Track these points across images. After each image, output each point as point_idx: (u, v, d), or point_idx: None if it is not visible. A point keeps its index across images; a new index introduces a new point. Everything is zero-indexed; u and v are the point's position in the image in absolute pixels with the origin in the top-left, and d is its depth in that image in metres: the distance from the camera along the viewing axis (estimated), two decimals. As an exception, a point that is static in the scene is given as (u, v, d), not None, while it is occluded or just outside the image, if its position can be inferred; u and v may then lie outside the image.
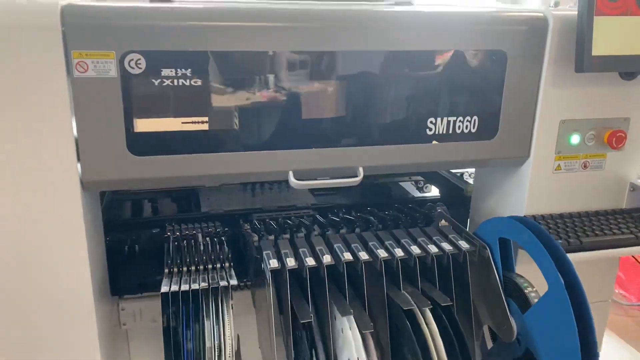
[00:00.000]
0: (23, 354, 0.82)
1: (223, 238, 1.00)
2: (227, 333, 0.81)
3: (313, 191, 1.29)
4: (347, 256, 0.85)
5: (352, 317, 0.78)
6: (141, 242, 1.07)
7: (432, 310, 0.82)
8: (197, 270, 0.90)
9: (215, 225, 1.06)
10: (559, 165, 1.00)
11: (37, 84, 0.73)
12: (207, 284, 0.85)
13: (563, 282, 0.77)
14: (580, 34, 0.87)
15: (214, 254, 0.94)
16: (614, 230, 0.96)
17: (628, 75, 0.97)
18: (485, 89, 0.92)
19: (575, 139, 0.99)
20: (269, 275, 0.82)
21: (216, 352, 0.80)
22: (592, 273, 1.06)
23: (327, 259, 0.84)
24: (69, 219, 0.78)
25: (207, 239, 1.00)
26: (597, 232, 0.95)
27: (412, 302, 0.81)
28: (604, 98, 0.98)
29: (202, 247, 0.96)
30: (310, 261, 0.83)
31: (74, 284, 0.81)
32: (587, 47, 0.86)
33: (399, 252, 0.87)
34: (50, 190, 0.77)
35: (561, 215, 1.00)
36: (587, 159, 1.01)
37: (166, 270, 0.89)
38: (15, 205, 0.76)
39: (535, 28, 0.91)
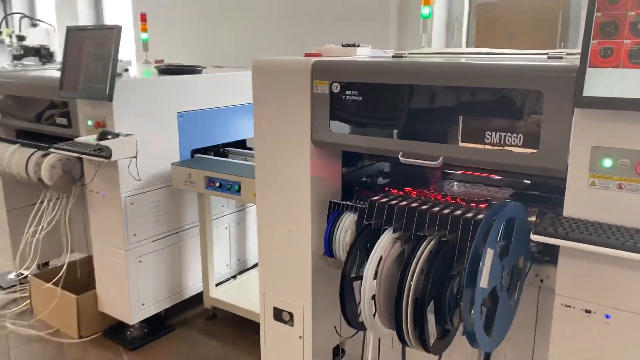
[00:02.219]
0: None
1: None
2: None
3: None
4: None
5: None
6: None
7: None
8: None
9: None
10: (593, 182, 1.27)
11: (300, 94, 1.70)
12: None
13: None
14: (576, 80, 1.20)
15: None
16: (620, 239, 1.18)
17: (660, 116, 1.16)
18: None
19: (607, 162, 1.24)
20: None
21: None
22: None
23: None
24: (304, 167, 1.72)
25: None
26: (604, 235, 1.20)
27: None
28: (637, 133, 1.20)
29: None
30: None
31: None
32: (579, 90, 1.19)
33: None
34: (297, 147, 1.73)
35: (592, 222, 1.26)
36: (622, 181, 1.24)
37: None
38: (282, 161, 1.76)
39: (563, 77, 1.26)
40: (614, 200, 1.25)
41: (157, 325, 2.63)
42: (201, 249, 2.61)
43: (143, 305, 2.50)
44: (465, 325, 1.22)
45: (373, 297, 1.38)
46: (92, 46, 2.18)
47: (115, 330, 2.60)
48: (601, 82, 1.16)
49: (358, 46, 1.90)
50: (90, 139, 2.18)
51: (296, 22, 3.61)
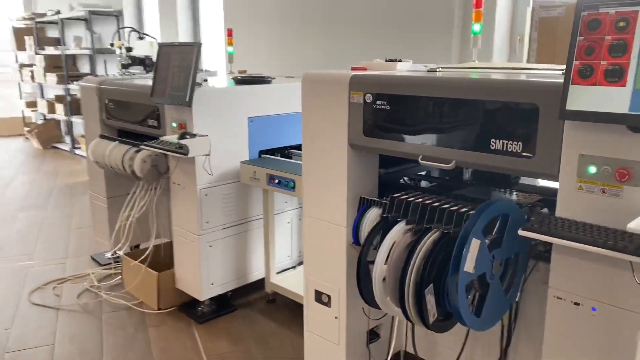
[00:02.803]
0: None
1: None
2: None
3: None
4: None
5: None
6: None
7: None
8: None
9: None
10: (580, 186, 1.42)
11: (339, 103, 1.96)
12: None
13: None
14: (561, 96, 1.36)
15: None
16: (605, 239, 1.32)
17: (635, 130, 1.30)
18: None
19: (592, 169, 1.39)
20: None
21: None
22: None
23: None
24: (342, 166, 1.98)
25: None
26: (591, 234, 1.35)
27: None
28: (621, 145, 1.34)
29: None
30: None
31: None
32: (562, 104, 1.35)
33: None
34: (336, 149, 1.99)
35: (577, 222, 1.41)
36: (604, 186, 1.38)
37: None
38: (324, 161, 2.03)
39: (554, 92, 1.42)
40: (598, 203, 1.40)
41: (223, 304, 2.99)
42: (264, 238, 2.93)
43: (212, 284, 2.86)
44: (451, 303, 1.42)
45: (384, 279, 1.60)
46: (177, 60, 2.58)
47: (188, 306, 2.98)
48: (582, 98, 1.32)
49: (400, 61, 2.13)
50: (173, 138, 2.57)
51: (368, 34, 3.88)
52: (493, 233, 1.48)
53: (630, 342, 1.39)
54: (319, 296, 2.18)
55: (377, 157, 2.07)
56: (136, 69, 4.15)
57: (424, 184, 2.27)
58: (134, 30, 4.49)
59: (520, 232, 1.39)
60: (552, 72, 1.75)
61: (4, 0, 9.31)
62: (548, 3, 3.16)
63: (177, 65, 2.58)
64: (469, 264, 1.39)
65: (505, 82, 1.59)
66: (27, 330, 2.79)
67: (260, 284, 3.05)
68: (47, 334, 2.75)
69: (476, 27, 2.58)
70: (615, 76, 1.28)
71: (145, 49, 5.07)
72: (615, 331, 1.42)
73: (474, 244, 1.39)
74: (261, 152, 2.92)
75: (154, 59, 4.60)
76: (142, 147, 2.74)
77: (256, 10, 4.86)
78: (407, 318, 1.56)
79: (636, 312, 1.37)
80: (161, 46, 2.74)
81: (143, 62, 4.39)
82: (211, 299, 2.93)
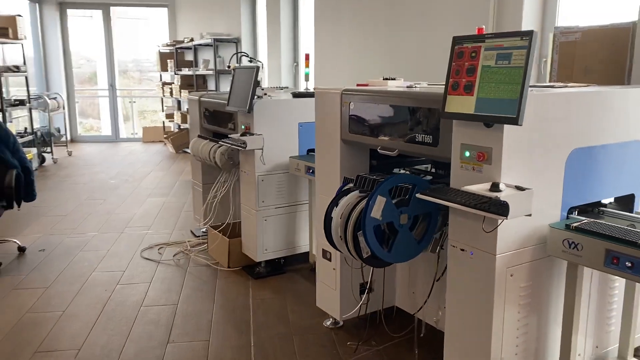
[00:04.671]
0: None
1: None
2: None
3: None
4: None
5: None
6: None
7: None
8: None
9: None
10: (462, 165, 2.04)
11: (335, 109, 2.71)
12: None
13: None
14: (442, 103, 2.02)
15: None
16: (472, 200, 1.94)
17: (487, 126, 1.92)
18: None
19: (467, 153, 2.01)
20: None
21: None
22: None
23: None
24: (336, 156, 2.73)
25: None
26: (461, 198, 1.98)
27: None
28: (481, 135, 1.95)
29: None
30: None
31: (338, 169, 2.77)
32: (442, 107, 2.01)
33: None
34: (334, 143, 2.74)
35: (458, 190, 2.03)
36: (473, 165, 1.99)
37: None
38: (328, 152, 2.79)
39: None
40: (471, 176, 2.01)
41: (276, 268, 3.83)
42: (309, 218, 3.74)
43: (266, 250, 3.72)
44: (365, 237, 2.11)
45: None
46: (244, 78, 3.50)
47: (250, 267, 3.87)
48: (453, 103, 1.97)
49: (393, 79, 2.83)
50: (238, 136, 3.49)
51: (424, 50, 4.55)
52: (404, 196, 2.16)
53: (492, 276, 1.98)
54: (325, 254, 2.93)
55: (368, 150, 2.79)
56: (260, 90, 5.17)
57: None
58: (244, 54, 5.55)
59: (417, 195, 2.06)
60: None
61: (155, 30, 11.21)
62: (567, 29, 3.66)
63: (244, 82, 3.51)
64: (375, 212, 2.07)
65: (422, 94, 2.25)
66: (135, 272, 3.86)
67: (305, 255, 3.85)
68: (148, 276, 3.79)
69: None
70: (469, 89, 1.91)
71: (252, 70, 6.08)
72: (484, 269, 2.01)
73: (379, 199, 2.08)
74: (309, 150, 3.74)
75: (259, 78, 5.66)
76: (220, 143, 3.70)
77: (339, 39, 5.74)
78: (350, 254, 2.27)
79: (491, 253, 1.96)
80: (235, 69, 3.70)
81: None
82: (266, 262, 3.79)
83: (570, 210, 2.14)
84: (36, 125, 8.42)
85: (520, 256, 2.01)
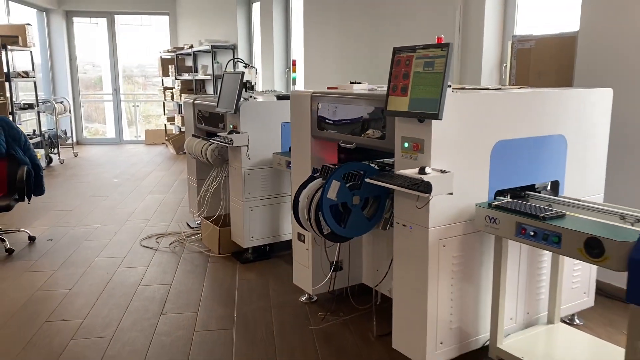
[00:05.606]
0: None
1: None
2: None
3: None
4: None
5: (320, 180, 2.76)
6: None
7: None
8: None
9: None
10: (403, 155, 2.44)
11: (307, 110, 3.12)
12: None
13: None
14: (385, 102, 2.41)
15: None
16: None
17: (420, 121, 2.32)
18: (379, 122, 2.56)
19: (406, 144, 2.40)
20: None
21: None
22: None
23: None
24: (307, 150, 3.13)
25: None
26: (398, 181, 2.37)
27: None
28: (414, 128, 2.35)
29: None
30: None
31: (309, 161, 3.17)
32: (385, 107, 2.41)
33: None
34: (305, 139, 3.14)
35: (399, 174, 2.42)
36: (411, 154, 2.39)
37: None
38: (301, 147, 3.19)
39: (392, 99, 2.47)
40: (410, 164, 2.41)
41: (262, 254, 4.23)
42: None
43: (252, 237, 4.12)
44: (323, 215, 2.51)
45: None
46: (231, 83, 3.91)
47: (239, 253, 4.27)
48: (393, 103, 2.37)
49: (359, 83, 3.24)
50: (225, 134, 3.90)
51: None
52: (356, 181, 2.56)
53: (426, 246, 2.37)
54: (299, 236, 3.33)
55: (336, 145, 3.19)
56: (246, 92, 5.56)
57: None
58: (240, 60, 5.97)
59: (367, 180, 2.45)
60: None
61: (158, 37, 11.67)
62: (523, 37, 4.07)
63: (231, 86, 3.92)
64: (330, 194, 2.48)
65: (374, 95, 2.65)
66: (134, 258, 4.27)
67: (290, 243, 4.25)
68: (146, 261, 4.20)
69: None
70: (405, 91, 2.31)
71: (246, 75, 6.52)
72: (421, 241, 2.40)
73: (334, 183, 2.48)
74: (291, 147, 4.13)
75: (253, 82, 6.05)
76: (210, 141, 4.12)
77: (326, 46, 6.15)
78: (314, 231, 2.67)
79: (425, 227, 2.36)
80: (223, 74, 4.11)
81: (244, 85, 5.82)
82: (253, 249, 4.19)
83: (500, 193, 2.54)
84: (44, 128, 8.86)
85: (452, 230, 2.40)
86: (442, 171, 2.24)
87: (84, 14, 11.14)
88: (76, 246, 4.58)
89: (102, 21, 11.25)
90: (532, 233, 2.14)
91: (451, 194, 2.25)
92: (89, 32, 11.45)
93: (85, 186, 7.08)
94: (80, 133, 11.38)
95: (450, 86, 2.29)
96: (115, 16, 11.23)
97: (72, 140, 10.28)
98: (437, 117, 2.14)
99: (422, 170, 2.21)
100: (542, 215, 2.12)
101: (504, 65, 4.34)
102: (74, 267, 4.07)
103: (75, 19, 11.07)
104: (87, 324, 3.14)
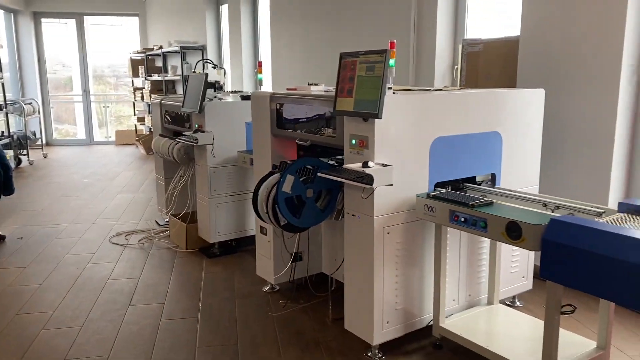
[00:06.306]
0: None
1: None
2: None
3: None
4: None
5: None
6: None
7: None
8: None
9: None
10: (351, 150, 2.65)
11: (267, 109, 3.31)
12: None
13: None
14: (334, 103, 2.63)
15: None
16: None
17: (364, 120, 2.54)
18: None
19: (353, 141, 2.62)
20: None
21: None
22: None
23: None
24: (268, 148, 3.34)
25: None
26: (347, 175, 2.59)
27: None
28: (360, 127, 2.57)
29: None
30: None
31: (269, 158, 3.38)
32: (334, 107, 2.62)
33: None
34: (266, 137, 3.34)
35: (348, 169, 2.64)
36: (357, 150, 2.61)
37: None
38: (262, 145, 3.39)
39: (340, 100, 2.69)
40: (357, 158, 2.62)
41: (228, 249, 4.42)
42: (255, 205, 4.33)
43: (218, 233, 4.30)
44: (279, 207, 2.71)
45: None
46: (195, 84, 4.09)
47: (206, 249, 4.45)
48: (341, 104, 2.59)
49: (317, 84, 3.45)
50: (191, 133, 4.07)
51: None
52: (310, 175, 2.77)
53: (371, 233, 2.59)
54: (261, 229, 3.53)
55: (295, 142, 3.39)
56: (210, 92, 5.71)
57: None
58: (209, 61, 6.13)
59: (319, 175, 2.67)
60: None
61: (129, 37, 11.71)
62: (473, 41, 4.34)
63: (196, 87, 4.10)
64: (285, 187, 2.68)
65: (327, 96, 2.87)
66: (103, 254, 4.41)
67: (253, 238, 4.44)
68: (115, 257, 4.34)
69: (391, 61, 3.83)
70: (350, 92, 2.53)
71: (214, 75, 6.68)
72: (367, 228, 2.62)
73: (289, 177, 2.69)
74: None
75: (222, 82, 6.20)
76: (177, 140, 4.28)
77: (291, 47, 6.35)
78: (272, 222, 2.88)
79: (370, 215, 2.58)
80: (189, 76, 4.28)
81: (213, 85, 5.97)
82: (220, 244, 4.37)
83: (441, 185, 2.78)
84: (12, 129, 8.86)
85: (395, 218, 2.63)
86: (384, 165, 2.46)
87: (52, 15, 11.12)
88: (46, 244, 4.69)
89: (72, 22, 11.25)
90: (463, 219, 2.38)
91: (391, 185, 2.48)
92: (59, 32, 11.43)
93: (56, 186, 7.15)
94: (50, 134, 11.36)
95: (390, 88, 2.52)
96: (85, 17, 11.24)
97: (42, 142, 10.27)
98: (377, 116, 2.37)
99: (365, 164, 2.43)
100: (471, 203, 2.36)
101: (456, 67, 4.61)
102: (44, 264, 4.19)
103: (43, 20, 11.04)
104: (57, 315, 3.29)
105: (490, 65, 4.27)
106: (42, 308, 3.39)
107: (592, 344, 2.56)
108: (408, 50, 4.68)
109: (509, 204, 2.45)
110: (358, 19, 5.26)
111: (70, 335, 3.03)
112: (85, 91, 11.38)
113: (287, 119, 3.14)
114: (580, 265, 1.96)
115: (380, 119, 2.39)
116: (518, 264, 3.22)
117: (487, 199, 2.44)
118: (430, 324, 2.82)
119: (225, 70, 7.06)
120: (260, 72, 5.45)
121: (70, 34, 11.27)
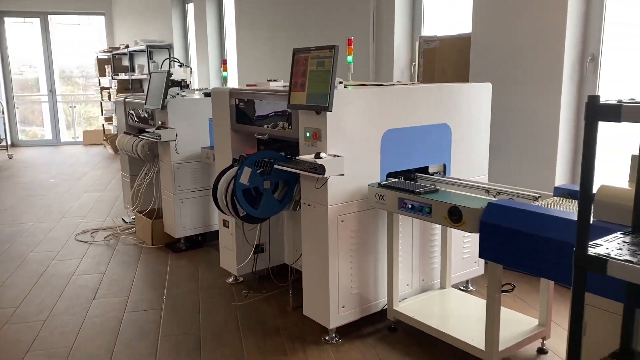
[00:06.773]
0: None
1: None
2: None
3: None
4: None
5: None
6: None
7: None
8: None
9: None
10: (305, 143, 2.76)
11: (226, 105, 3.40)
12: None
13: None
14: (288, 97, 2.74)
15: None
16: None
17: (317, 113, 2.65)
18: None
19: (307, 134, 2.73)
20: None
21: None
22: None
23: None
24: (228, 143, 3.43)
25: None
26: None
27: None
28: (313, 120, 2.68)
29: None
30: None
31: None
32: (288, 101, 2.73)
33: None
34: (226, 132, 3.43)
35: (304, 160, 2.75)
36: (312, 142, 2.72)
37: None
38: (223, 140, 3.48)
39: (295, 94, 2.80)
40: (311, 150, 2.74)
41: (194, 244, 4.49)
42: (219, 200, 4.40)
43: (183, 228, 4.37)
44: (237, 199, 2.81)
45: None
46: (158, 81, 4.15)
47: (171, 244, 4.51)
48: (295, 98, 2.70)
49: (275, 80, 3.54)
50: (154, 130, 4.13)
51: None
52: (267, 167, 2.88)
53: (326, 222, 2.70)
54: (224, 223, 3.62)
55: (255, 138, 3.49)
56: (175, 89, 5.76)
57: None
58: (175, 60, 6.16)
59: (275, 166, 2.77)
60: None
61: (93, 36, 11.61)
62: (429, 38, 4.49)
63: (158, 84, 4.16)
64: (243, 179, 2.78)
65: (282, 91, 2.97)
66: (68, 252, 4.43)
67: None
68: (80, 254, 4.38)
69: (349, 58, 3.95)
70: (302, 87, 2.64)
71: (181, 74, 6.71)
72: (321, 217, 2.74)
73: (246, 170, 2.79)
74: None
75: (188, 81, 6.24)
76: (140, 137, 4.33)
77: (255, 45, 6.44)
78: (231, 214, 2.97)
79: (323, 205, 2.69)
80: (151, 73, 4.33)
81: (180, 83, 6.01)
82: (186, 239, 4.44)
83: (394, 175, 2.91)
84: (-25, 130, 8.74)
85: (349, 207, 2.75)
86: (335, 155, 2.58)
87: (16, 14, 10.96)
88: (10, 243, 4.69)
89: (36, 21, 11.10)
90: (410, 206, 2.52)
91: (343, 175, 2.60)
92: (24, 32, 11.27)
93: (21, 187, 7.09)
94: (15, 135, 11.20)
95: (341, 82, 2.64)
96: (50, 16, 11.11)
97: (7, 142, 10.13)
98: (328, 109, 2.48)
99: (317, 155, 2.54)
100: (417, 190, 2.50)
101: (414, 63, 4.76)
102: (8, 262, 4.20)
103: (7, 19, 10.87)
104: (21, 310, 3.32)
105: (446, 61, 4.43)
106: (6, 304, 3.42)
107: (534, 322, 2.72)
108: (368, 48, 4.81)
109: (454, 191, 2.60)
110: (321, 18, 5.38)
111: (33, 329, 3.07)
112: (52, 91, 11.25)
113: (247, 114, 3.24)
114: (515, 245, 2.11)
115: (331, 111, 2.50)
116: (469, 250, 3.37)
117: (433, 187, 2.58)
118: (385, 307, 2.95)
119: (191, 69, 7.11)
120: (225, 70, 5.53)
121: (36, 34, 11.12)
